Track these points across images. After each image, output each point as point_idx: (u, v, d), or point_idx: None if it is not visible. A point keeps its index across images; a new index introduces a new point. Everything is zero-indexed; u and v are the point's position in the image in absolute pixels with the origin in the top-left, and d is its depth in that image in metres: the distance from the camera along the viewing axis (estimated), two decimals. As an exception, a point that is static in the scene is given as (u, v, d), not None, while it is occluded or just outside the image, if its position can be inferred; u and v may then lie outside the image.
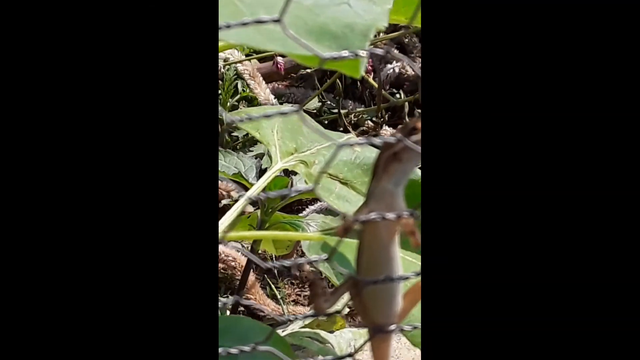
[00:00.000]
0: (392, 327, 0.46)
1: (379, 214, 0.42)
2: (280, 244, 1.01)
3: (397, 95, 1.43)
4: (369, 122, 1.40)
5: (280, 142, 0.85)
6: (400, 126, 0.51)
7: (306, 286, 1.38)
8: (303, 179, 0.95)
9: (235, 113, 1.04)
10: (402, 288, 0.46)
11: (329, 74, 1.37)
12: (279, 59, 1.33)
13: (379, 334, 0.46)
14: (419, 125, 0.43)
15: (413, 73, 1.40)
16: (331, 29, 0.45)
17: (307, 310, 1.30)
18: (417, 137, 0.43)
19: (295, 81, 1.51)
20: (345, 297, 0.46)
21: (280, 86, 1.48)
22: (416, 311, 0.47)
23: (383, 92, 1.36)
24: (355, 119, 1.40)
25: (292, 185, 1.03)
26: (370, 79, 1.40)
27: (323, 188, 0.82)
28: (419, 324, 0.46)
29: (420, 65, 1.40)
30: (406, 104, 1.36)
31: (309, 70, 1.46)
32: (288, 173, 1.06)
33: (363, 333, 0.89)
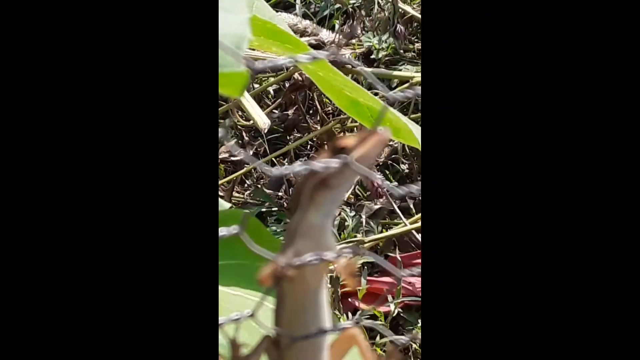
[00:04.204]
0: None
1: (316, 254, 0.34)
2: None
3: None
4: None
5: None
6: (325, 147, 0.44)
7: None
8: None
9: None
10: (328, 340, 0.38)
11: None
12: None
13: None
14: (348, 143, 0.36)
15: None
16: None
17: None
18: (350, 157, 0.35)
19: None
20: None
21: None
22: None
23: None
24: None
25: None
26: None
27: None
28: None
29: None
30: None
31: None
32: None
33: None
